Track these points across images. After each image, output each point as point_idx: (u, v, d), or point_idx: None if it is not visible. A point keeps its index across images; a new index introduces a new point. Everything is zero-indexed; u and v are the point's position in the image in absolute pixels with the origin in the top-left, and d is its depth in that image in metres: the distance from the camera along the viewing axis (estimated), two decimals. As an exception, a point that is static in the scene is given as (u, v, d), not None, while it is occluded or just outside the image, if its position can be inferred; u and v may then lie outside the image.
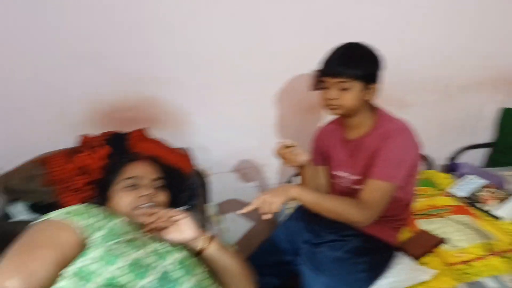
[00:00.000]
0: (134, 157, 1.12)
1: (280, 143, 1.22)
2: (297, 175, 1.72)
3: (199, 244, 0.96)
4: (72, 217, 0.88)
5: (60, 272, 0.78)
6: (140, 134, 1.35)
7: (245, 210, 1.08)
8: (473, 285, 1.15)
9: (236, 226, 1.88)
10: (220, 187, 1.76)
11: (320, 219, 1.38)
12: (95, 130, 1.44)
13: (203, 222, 1.33)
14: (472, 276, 1.18)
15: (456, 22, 1.73)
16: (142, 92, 1.54)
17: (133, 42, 1.45)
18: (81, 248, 0.83)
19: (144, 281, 0.80)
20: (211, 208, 1.54)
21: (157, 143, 1.37)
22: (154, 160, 1.16)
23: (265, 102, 1.69)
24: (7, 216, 1.16)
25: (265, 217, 1.07)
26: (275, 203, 1.05)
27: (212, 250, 0.96)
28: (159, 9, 1.42)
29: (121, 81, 1.50)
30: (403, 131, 1.19)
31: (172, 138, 1.50)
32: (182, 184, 1.28)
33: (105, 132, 1.35)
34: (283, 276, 1.37)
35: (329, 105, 1.18)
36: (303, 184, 1.34)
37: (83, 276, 0.78)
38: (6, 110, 1.43)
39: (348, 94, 1.14)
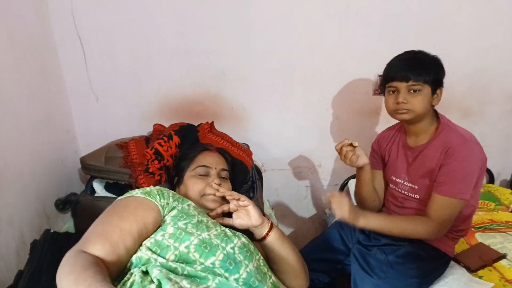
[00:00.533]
0: (206, 147, 1.22)
1: (345, 140, 1.24)
2: (353, 177, 1.74)
3: (263, 231, 1.04)
4: (152, 197, 0.99)
5: (140, 243, 0.89)
6: (208, 127, 1.45)
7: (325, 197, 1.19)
8: (534, 304, 1.12)
9: (285, 222, 1.95)
10: (275, 183, 1.83)
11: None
12: (165, 121, 1.58)
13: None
14: (533, 294, 1.15)
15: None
16: (209, 89, 1.65)
17: (209, 41, 1.56)
18: (158, 225, 0.94)
19: (210, 260, 0.87)
20: (265, 203, 1.62)
21: (223, 136, 1.47)
22: (222, 152, 1.25)
23: (325, 104, 1.73)
24: (93, 191, 1.32)
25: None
26: (345, 213, 1.14)
27: (273, 237, 1.04)
28: (235, 8, 1.53)
29: (192, 77, 1.62)
30: (467, 143, 1.17)
31: (234, 133, 1.59)
32: (244, 176, 1.37)
33: (176, 123, 1.47)
34: (333, 274, 1.41)
35: (398, 109, 1.18)
36: (358, 184, 1.37)
37: (157, 249, 0.87)
38: (103, 95, 1.61)
39: (418, 97, 1.15)
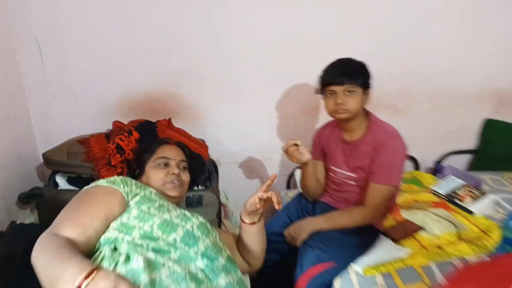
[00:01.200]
0: (165, 141, 1.34)
1: (289, 141, 1.42)
2: (298, 167, 1.94)
3: (256, 218, 1.19)
4: (116, 185, 1.10)
5: (107, 226, 1.00)
6: (166, 123, 1.57)
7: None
8: (443, 265, 1.36)
9: (239, 210, 2.10)
10: (230, 176, 1.98)
11: (314, 205, 1.62)
12: (124, 119, 1.67)
13: (216, 203, 1.55)
14: (443, 257, 1.40)
15: (458, 43, 1.96)
16: (167, 87, 1.76)
17: (167, 40, 1.68)
18: (123, 209, 1.05)
19: (172, 237, 1.01)
20: (221, 193, 1.76)
21: (180, 131, 1.59)
22: (180, 145, 1.38)
23: (275, 102, 1.91)
24: (56, 184, 1.38)
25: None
26: (300, 239, 1.42)
27: (260, 225, 1.21)
28: (194, 10, 1.66)
29: (151, 75, 1.72)
30: (394, 137, 1.40)
31: (191, 129, 1.72)
32: (201, 168, 1.51)
33: (134, 120, 1.57)
34: (283, 253, 1.58)
35: (337, 110, 1.37)
36: (303, 176, 1.57)
37: (124, 229, 0.99)
38: (60, 94, 1.66)
39: (353, 98, 1.35)
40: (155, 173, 1.25)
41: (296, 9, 1.74)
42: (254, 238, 1.21)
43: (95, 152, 1.40)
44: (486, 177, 2.01)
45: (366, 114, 1.46)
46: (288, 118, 1.95)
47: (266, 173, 2.06)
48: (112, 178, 1.13)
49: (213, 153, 1.83)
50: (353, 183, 1.48)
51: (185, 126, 1.71)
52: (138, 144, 1.42)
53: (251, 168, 2.03)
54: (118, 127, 1.57)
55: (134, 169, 1.33)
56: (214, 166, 1.75)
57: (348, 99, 1.35)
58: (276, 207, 1.10)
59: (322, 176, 1.60)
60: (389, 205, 1.49)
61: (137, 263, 0.85)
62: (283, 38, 1.78)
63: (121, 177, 1.15)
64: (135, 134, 1.42)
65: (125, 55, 1.66)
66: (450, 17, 1.90)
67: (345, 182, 1.51)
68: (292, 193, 1.85)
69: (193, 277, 0.91)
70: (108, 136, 1.54)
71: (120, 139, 1.37)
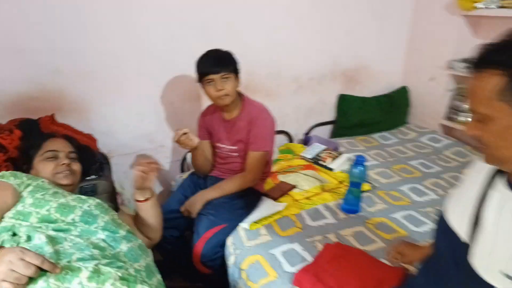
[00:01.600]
0: (51, 135, 1.38)
1: (178, 131, 1.58)
2: (189, 152, 2.11)
3: (148, 194, 1.30)
4: (5, 179, 1.13)
5: (1, 216, 1.04)
6: (49, 119, 1.58)
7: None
8: (311, 211, 1.71)
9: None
10: (124, 167, 2.05)
11: (206, 180, 1.82)
12: (1, 119, 1.61)
13: (111, 190, 1.63)
14: (311, 205, 1.74)
15: (313, 33, 2.35)
16: (45, 84, 1.74)
17: (41, 38, 1.65)
18: (17, 199, 1.10)
19: (71, 216, 1.09)
20: (116, 183, 1.83)
21: (65, 126, 1.61)
22: (67, 137, 1.43)
23: (159, 93, 2.03)
24: None
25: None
26: (195, 211, 1.62)
27: (151, 203, 1.33)
28: (66, 5, 1.66)
29: (25, 74, 1.68)
30: (263, 112, 1.68)
31: (77, 124, 1.74)
32: (91, 158, 1.57)
33: (14, 119, 1.53)
34: (181, 228, 1.75)
35: (219, 97, 1.58)
36: (193, 157, 1.76)
37: (20, 217, 1.05)
38: None
39: (229, 83, 1.57)
40: (44, 166, 1.29)
41: (171, 2, 1.89)
42: (150, 213, 1.33)
43: (-26, 154, 1.36)
44: (343, 141, 2.48)
45: (240, 95, 1.71)
46: (174, 107, 2.10)
47: (159, 160, 2.18)
48: (0, 173, 1.15)
49: (104, 146, 1.87)
50: (235, 154, 1.72)
51: (70, 121, 1.72)
52: (21, 141, 1.42)
53: (143, 157, 2.12)
54: (-5, 127, 1.52)
55: (21, 166, 1.34)
56: (105, 158, 1.81)
57: (225, 84, 1.57)
58: (155, 172, 1.28)
59: (209, 154, 1.81)
60: (266, 169, 1.78)
61: (39, 239, 0.93)
62: (162, 32, 1.91)
63: (10, 171, 1.18)
64: (17, 132, 1.42)
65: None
66: (305, 17, 2.28)
67: (229, 155, 1.75)
68: (186, 175, 2.02)
69: (96, 246, 1.03)
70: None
71: (1, 138, 1.35)
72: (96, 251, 0.99)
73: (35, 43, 1.66)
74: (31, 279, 0.80)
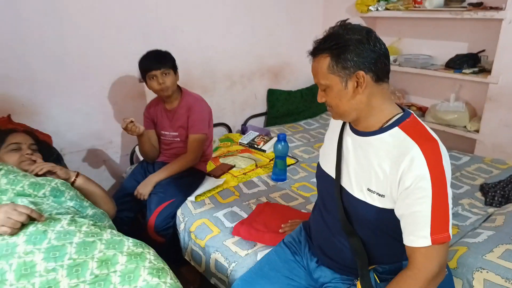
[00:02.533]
0: (13, 130, 1.57)
1: (126, 120, 1.82)
2: (137, 145, 2.34)
3: (71, 179, 1.52)
4: (-22, 166, 1.32)
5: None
6: (6, 119, 1.75)
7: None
8: (247, 183, 2.04)
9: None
10: (76, 164, 2.23)
11: (154, 165, 2.08)
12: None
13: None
14: (247, 179, 2.08)
15: (240, 35, 2.69)
16: (-5, 90, 1.89)
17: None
18: (-9, 182, 1.30)
19: (42, 191, 1.32)
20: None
21: (22, 125, 1.79)
22: (27, 132, 1.62)
23: (104, 93, 2.25)
24: None
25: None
26: (147, 192, 1.85)
27: (80, 181, 1.54)
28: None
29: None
30: (199, 100, 1.99)
31: (29, 125, 1.91)
32: (49, 150, 1.77)
33: (-29, 122, 1.69)
34: (135, 210, 1.99)
35: (161, 89, 1.85)
36: (140, 146, 2.01)
37: (-3, 193, 1.25)
38: None
39: (169, 78, 1.85)
40: (9, 157, 1.48)
41: (112, 8, 2.13)
42: (87, 188, 1.55)
43: None
44: (274, 129, 2.87)
45: (179, 88, 2.00)
46: (118, 105, 2.32)
47: (109, 156, 2.39)
48: (-28, 163, 1.34)
49: (55, 145, 2.05)
50: (178, 140, 2.01)
51: (25, 123, 1.90)
52: (-19, 139, 1.58)
53: (94, 153, 2.32)
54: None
55: (-15, 159, 1.51)
56: (59, 155, 1.99)
57: (166, 79, 1.85)
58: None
59: (155, 141, 2.08)
60: (207, 151, 2.09)
61: (22, 202, 1.16)
62: (104, 36, 2.14)
63: (-20, 161, 1.36)
64: (-23, 132, 1.58)
65: None
66: (230, 22, 2.63)
67: (173, 141, 2.03)
68: (136, 165, 2.26)
69: (68, 210, 1.27)
70: None
71: (-36, 136, 1.52)
72: (70, 211, 1.23)
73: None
74: (23, 225, 1.03)
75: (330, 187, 1.14)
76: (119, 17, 2.16)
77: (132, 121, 1.84)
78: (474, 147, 2.38)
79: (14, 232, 1.05)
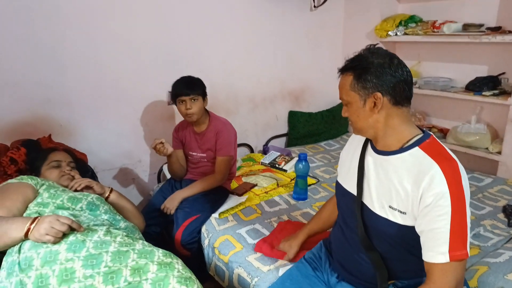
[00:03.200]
0: (55, 149, 1.71)
1: (156, 140, 1.95)
2: (165, 163, 2.46)
3: (105, 194, 1.64)
4: (24, 180, 1.46)
5: (26, 206, 1.36)
6: (47, 139, 1.90)
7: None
8: (269, 201, 2.10)
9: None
10: (107, 181, 2.36)
11: (181, 183, 2.17)
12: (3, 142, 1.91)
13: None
14: (268, 197, 2.14)
15: (262, 60, 2.83)
16: (37, 112, 2.06)
17: (34, 74, 1.99)
18: (35, 194, 1.42)
19: (79, 205, 1.43)
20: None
21: (61, 144, 1.94)
22: (67, 150, 1.77)
23: (137, 115, 2.40)
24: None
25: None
26: (173, 207, 1.95)
27: (114, 196, 1.66)
28: (47, 47, 2.02)
29: (22, 104, 2.00)
30: (226, 124, 2.11)
31: (67, 145, 2.06)
32: (85, 168, 1.90)
33: (18, 140, 1.85)
34: (162, 225, 2.09)
35: (187, 114, 1.98)
36: (169, 165, 2.12)
37: (41, 206, 1.37)
38: None
39: (197, 104, 1.98)
40: (50, 173, 1.62)
41: (143, 37, 2.30)
42: (119, 203, 1.66)
43: (-11, 167, 1.65)
44: (295, 149, 2.94)
45: (207, 112, 2.12)
46: (148, 127, 2.46)
47: (138, 174, 2.52)
48: (19, 177, 1.48)
49: (90, 164, 2.20)
50: (205, 160, 2.11)
51: (63, 142, 2.05)
52: (26, 156, 1.73)
53: (124, 171, 2.45)
54: (2, 147, 1.81)
55: (29, 175, 1.65)
56: (93, 172, 2.13)
57: (194, 105, 1.98)
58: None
59: (183, 160, 2.19)
60: (231, 170, 2.18)
61: (63, 214, 1.27)
62: (135, 63, 2.30)
63: (27, 175, 1.50)
64: (23, 149, 1.73)
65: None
66: (253, 48, 2.77)
67: (200, 161, 2.14)
68: (164, 183, 2.37)
69: (102, 223, 1.37)
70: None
71: (12, 153, 1.67)
72: (104, 226, 1.33)
73: (29, 78, 1.99)
74: (64, 235, 1.14)
75: (351, 204, 1.18)
76: (151, 45, 2.33)
77: (162, 142, 1.96)
78: (497, 168, 2.37)
79: (57, 240, 1.15)
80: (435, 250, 0.95)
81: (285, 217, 1.92)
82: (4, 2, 1.85)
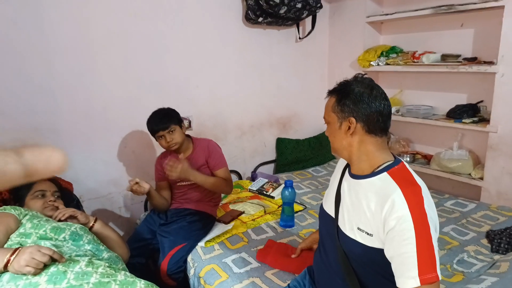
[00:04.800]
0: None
1: (131, 182, 1.91)
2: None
3: (89, 224, 1.63)
4: (7, 210, 1.45)
5: (7, 237, 1.35)
6: (33, 168, 1.89)
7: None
8: (256, 229, 2.10)
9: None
10: (93, 210, 2.34)
11: (167, 213, 2.16)
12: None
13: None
14: (255, 225, 2.14)
15: (250, 88, 2.90)
16: (26, 140, 2.06)
17: (21, 103, 2.01)
18: (18, 225, 1.41)
19: (62, 235, 1.42)
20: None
21: (46, 173, 1.93)
22: (52, 180, 1.76)
23: (122, 143, 2.41)
24: None
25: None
26: (176, 175, 1.89)
27: (98, 225, 1.64)
28: (37, 76, 2.05)
29: (9, 133, 2.00)
30: (210, 141, 2.17)
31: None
32: (70, 197, 1.89)
33: (2, 170, 1.84)
34: (147, 255, 2.06)
35: (169, 146, 2.00)
36: (150, 200, 2.11)
37: (23, 236, 1.36)
38: None
39: (176, 134, 2.00)
40: (34, 203, 1.61)
41: (129, 67, 2.35)
42: (104, 232, 1.65)
43: (-29, 198, 1.64)
44: (283, 175, 2.96)
45: (188, 137, 2.15)
46: (135, 154, 2.47)
47: (125, 203, 2.50)
48: (2, 207, 1.47)
49: (75, 192, 2.19)
50: (195, 185, 2.10)
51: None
52: (10, 186, 1.72)
53: (110, 200, 2.43)
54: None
55: (13, 204, 1.64)
56: (78, 201, 2.12)
57: (173, 136, 2.00)
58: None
59: (167, 194, 2.18)
60: (215, 194, 2.20)
61: (45, 244, 1.26)
62: (122, 92, 2.34)
63: (10, 206, 1.49)
64: (7, 179, 1.72)
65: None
66: (241, 77, 2.85)
67: (188, 188, 2.13)
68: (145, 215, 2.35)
69: (84, 253, 1.36)
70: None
71: (-5, 183, 1.66)
72: (86, 256, 1.32)
73: (15, 107, 2.01)
74: (45, 266, 1.13)
75: (330, 226, 1.22)
76: (139, 74, 2.39)
77: (137, 182, 1.93)
78: (480, 194, 2.41)
79: (37, 272, 1.14)
80: (405, 275, 0.97)
81: (271, 245, 1.92)
82: (-6, 34, 1.90)
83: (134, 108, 2.40)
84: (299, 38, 3.09)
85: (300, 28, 3.07)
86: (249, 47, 2.85)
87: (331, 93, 1.17)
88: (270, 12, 2.62)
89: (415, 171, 1.11)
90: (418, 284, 0.94)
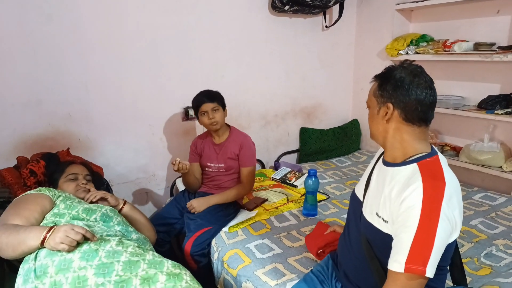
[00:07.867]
0: (72, 162, 1.79)
1: (173, 162, 1.96)
2: (178, 177, 2.51)
3: (119, 206, 1.69)
4: (42, 191, 1.53)
5: (43, 217, 1.42)
6: (65, 152, 1.98)
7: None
8: (279, 216, 2.12)
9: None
10: (122, 194, 2.43)
11: (195, 195, 2.22)
12: (25, 155, 2.00)
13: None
14: (278, 213, 2.16)
15: (274, 78, 2.90)
16: (59, 127, 2.16)
17: (55, 92, 2.10)
18: (52, 205, 1.48)
19: (93, 216, 1.49)
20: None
21: (78, 157, 2.02)
22: (84, 164, 1.84)
23: (151, 131, 2.48)
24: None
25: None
26: (200, 209, 2.02)
27: (127, 208, 1.71)
28: (71, 64, 2.13)
29: (44, 120, 2.10)
30: (246, 137, 2.19)
31: (85, 158, 2.15)
32: (100, 180, 1.97)
33: (38, 153, 1.93)
34: (172, 233, 2.14)
35: (211, 123, 2.05)
36: (185, 179, 2.18)
37: (57, 216, 1.43)
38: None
39: (218, 113, 2.06)
40: (67, 186, 1.69)
41: (159, 57, 2.40)
42: (132, 215, 1.72)
43: (9, 180, 1.73)
44: (306, 165, 2.96)
45: (227, 125, 2.19)
46: (162, 142, 2.54)
47: (152, 187, 2.58)
48: (38, 188, 1.55)
49: (105, 177, 2.27)
50: (223, 170, 2.16)
51: (79, 156, 2.13)
52: (45, 169, 1.81)
53: (138, 185, 2.51)
54: (23, 160, 1.90)
55: (47, 186, 1.72)
56: (108, 184, 2.20)
57: (216, 114, 2.05)
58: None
59: (199, 174, 2.24)
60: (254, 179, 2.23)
61: (77, 224, 1.32)
62: (150, 84, 2.40)
63: (45, 187, 1.57)
64: (42, 162, 1.81)
65: (18, 107, 2.01)
66: (267, 68, 2.85)
67: (216, 173, 2.18)
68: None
69: (114, 233, 1.42)
70: (17, 167, 1.87)
71: (32, 165, 1.75)
72: (116, 236, 1.38)
73: (51, 96, 2.10)
74: (78, 244, 1.19)
75: (357, 209, 1.24)
76: (167, 66, 2.43)
77: (180, 162, 1.99)
78: (511, 187, 2.33)
79: (71, 249, 1.20)
80: (394, 258, 0.98)
81: (294, 233, 1.93)
82: (34, 29, 1.98)
83: (161, 99, 2.45)
84: (326, 26, 3.05)
85: (327, 16, 3.02)
86: (274, 36, 2.84)
87: (375, 77, 1.16)
88: (297, 0, 2.60)
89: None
90: (402, 270, 0.94)
